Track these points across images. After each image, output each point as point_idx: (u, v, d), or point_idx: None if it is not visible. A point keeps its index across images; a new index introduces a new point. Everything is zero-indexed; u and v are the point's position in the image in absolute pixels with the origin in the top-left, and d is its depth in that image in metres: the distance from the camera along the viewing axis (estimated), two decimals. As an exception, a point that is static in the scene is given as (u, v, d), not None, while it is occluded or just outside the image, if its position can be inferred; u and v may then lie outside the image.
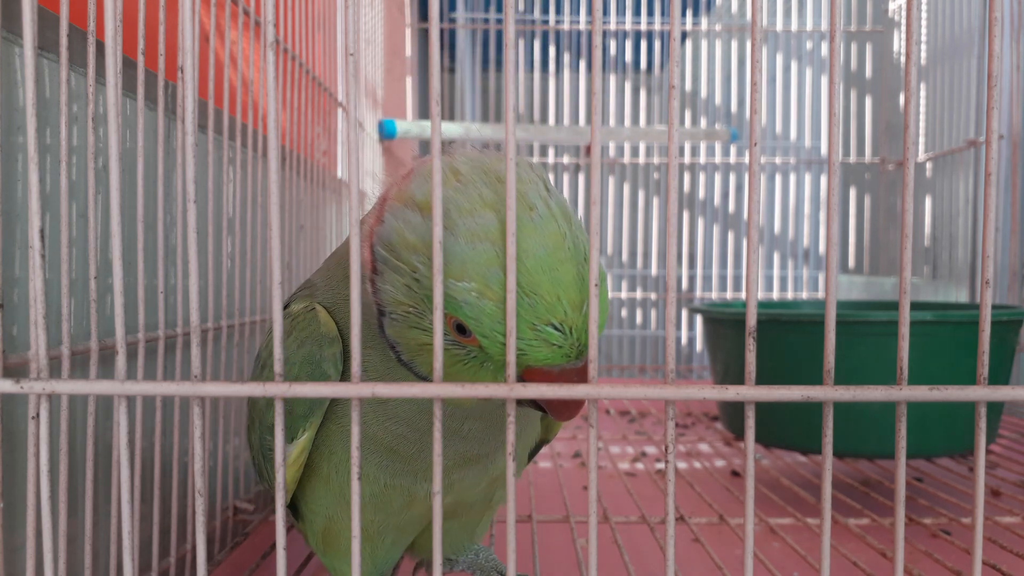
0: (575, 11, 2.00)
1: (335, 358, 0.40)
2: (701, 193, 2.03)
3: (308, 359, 0.40)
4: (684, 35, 2.07)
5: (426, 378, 0.37)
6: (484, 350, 0.35)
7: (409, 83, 1.82)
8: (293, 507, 0.47)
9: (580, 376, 0.34)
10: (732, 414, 1.01)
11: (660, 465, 1.04)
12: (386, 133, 1.55)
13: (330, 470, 0.43)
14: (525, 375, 0.35)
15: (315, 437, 0.42)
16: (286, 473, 0.41)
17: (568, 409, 0.35)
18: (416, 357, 0.37)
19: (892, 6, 1.80)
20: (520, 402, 0.36)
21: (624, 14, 2.02)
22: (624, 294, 2.12)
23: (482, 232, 0.33)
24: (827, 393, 0.31)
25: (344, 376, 0.40)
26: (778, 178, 2.00)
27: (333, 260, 0.44)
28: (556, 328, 0.33)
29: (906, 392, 0.31)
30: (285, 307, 0.45)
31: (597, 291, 0.31)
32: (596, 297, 0.32)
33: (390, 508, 0.44)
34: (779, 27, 1.92)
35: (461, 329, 0.34)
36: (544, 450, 1.11)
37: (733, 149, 1.99)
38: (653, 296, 2.12)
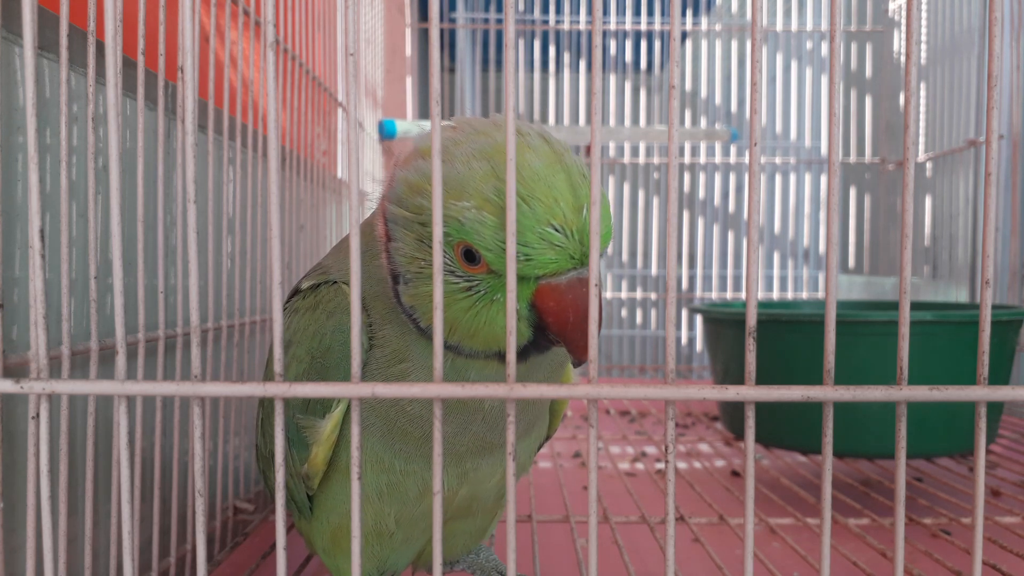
0: (575, 11, 2.00)
1: (365, 325, 0.40)
2: (701, 193, 2.03)
3: (339, 328, 0.40)
4: (684, 35, 2.07)
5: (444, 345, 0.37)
6: (493, 272, 0.35)
7: (409, 83, 1.82)
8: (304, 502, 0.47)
9: (587, 289, 0.34)
10: (732, 414, 1.01)
11: (660, 465, 1.04)
12: (386, 133, 1.55)
13: (348, 459, 0.42)
14: (535, 297, 0.35)
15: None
16: (317, 454, 0.42)
17: (580, 347, 0.35)
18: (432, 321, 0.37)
19: (892, 6, 1.80)
20: (537, 342, 0.37)
21: (624, 14, 2.02)
22: (624, 294, 2.12)
23: (478, 152, 0.35)
24: (827, 393, 0.31)
25: (373, 343, 0.40)
26: (778, 178, 2.00)
27: (344, 243, 0.45)
28: (557, 229, 0.34)
29: (906, 392, 0.31)
30: (294, 292, 0.46)
31: (596, 290, 0.32)
32: (595, 297, 0.32)
33: (406, 498, 0.43)
34: (779, 27, 1.92)
35: (469, 257, 0.35)
36: (544, 450, 1.11)
37: (733, 149, 1.99)
38: (653, 296, 2.12)
